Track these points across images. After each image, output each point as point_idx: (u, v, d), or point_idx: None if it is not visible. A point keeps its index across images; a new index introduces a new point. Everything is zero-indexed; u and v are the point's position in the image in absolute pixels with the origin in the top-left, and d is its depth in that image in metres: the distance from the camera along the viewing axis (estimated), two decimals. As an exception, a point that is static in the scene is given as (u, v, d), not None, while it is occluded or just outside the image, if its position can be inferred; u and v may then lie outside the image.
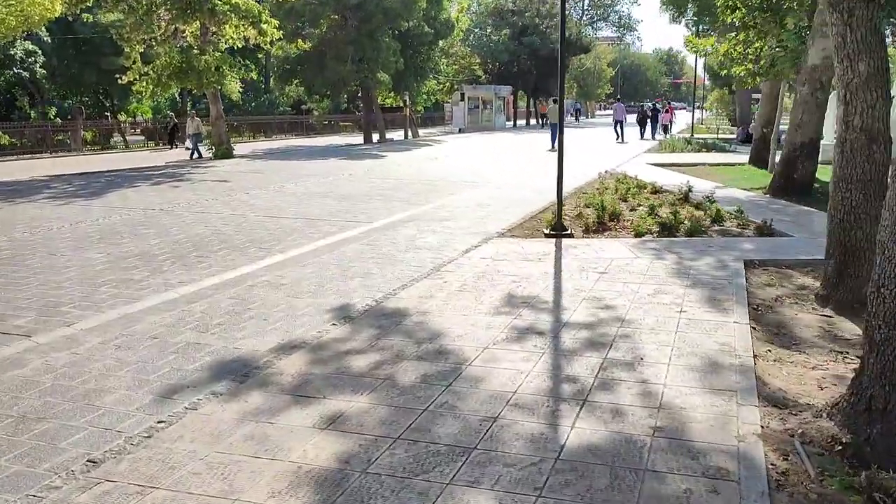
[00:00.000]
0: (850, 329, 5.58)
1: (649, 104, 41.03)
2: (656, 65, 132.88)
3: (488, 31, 58.87)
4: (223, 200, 13.41)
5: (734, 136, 34.24)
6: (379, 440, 3.64)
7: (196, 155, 24.88)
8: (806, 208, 11.49)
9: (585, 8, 76.58)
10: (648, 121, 35.48)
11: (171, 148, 29.71)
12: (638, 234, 9.39)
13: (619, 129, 32.91)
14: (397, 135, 40.67)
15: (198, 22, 23.69)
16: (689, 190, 12.33)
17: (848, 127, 5.98)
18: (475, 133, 45.10)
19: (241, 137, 35.66)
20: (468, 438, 3.65)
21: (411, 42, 34.80)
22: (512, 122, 60.08)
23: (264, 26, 24.53)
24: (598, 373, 4.51)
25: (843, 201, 6.07)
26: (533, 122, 61.10)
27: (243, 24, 24.24)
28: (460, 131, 48.77)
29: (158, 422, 3.91)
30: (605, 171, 16.79)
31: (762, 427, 3.75)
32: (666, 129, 36.47)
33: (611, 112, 40.00)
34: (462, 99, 53.13)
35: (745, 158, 21.17)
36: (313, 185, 15.78)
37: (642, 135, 35.10)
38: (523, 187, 14.99)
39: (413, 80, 36.95)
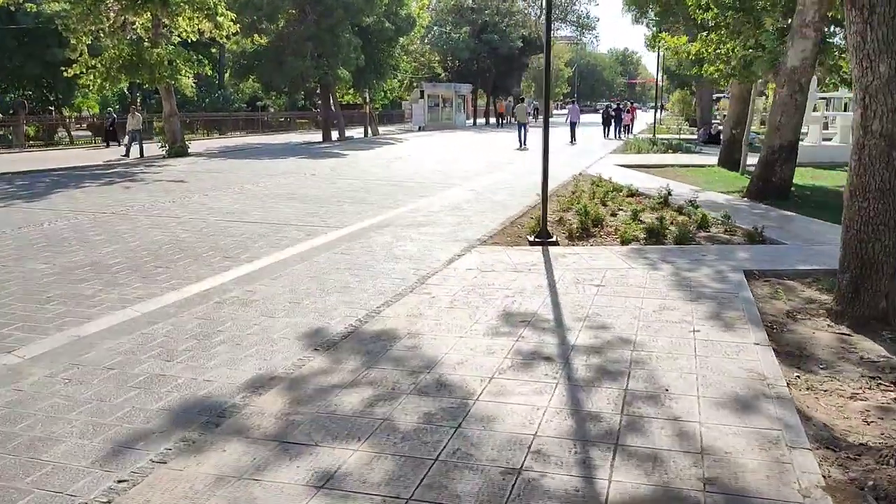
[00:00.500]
0: (873, 349, 5.20)
1: (612, 105, 41.18)
2: (612, 65, 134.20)
3: (448, 28, 58.40)
4: (181, 203, 12.61)
5: (695, 136, 34.37)
6: (388, 502, 3.08)
7: (125, 153, 23.46)
8: (788, 213, 11.23)
9: (543, 6, 76.51)
10: (613, 121, 35.70)
11: (108, 146, 28.31)
12: (624, 242, 8.97)
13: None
14: (356, 132, 39.88)
15: (149, 13, 22.66)
16: (669, 193, 11.99)
17: (866, 132, 5.61)
18: (436, 131, 44.55)
19: (195, 135, 34.52)
20: (493, 497, 3.11)
21: (372, 38, 34.09)
22: (472, 121, 59.73)
23: (220, 19, 23.63)
24: (623, 408, 4.02)
25: (859, 211, 5.70)
26: (493, 120, 60.70)
27: (198, 17, 23.29)
28: (420, 129, 48.28)
29: (119, 481, 3.28)
30: (579, 174, 16.43)
31: (824, 477, 3.30)
32: (628, 129, 36.58)
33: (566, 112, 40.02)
34: (422, 97, 52.70)
35: (712, 160, 21.06)
36: (276, 187, 15.05)
37: (606, 134, 35.31)
38: (497, 189, 14.50)
39: (374, 77, 36.22)
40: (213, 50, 44.48)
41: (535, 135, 31.24)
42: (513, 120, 42.86)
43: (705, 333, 5.32)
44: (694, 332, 5.34)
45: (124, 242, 8.94)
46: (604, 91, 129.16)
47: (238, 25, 25.51)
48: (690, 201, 11.09)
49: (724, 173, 18.09)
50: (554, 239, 8.96)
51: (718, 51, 16.18)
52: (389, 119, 57.81)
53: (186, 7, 22.73)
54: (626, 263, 7.69)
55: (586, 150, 26.58)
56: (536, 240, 8.91)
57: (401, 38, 38.12)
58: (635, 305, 6.04)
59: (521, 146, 27.59)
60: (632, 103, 41.39)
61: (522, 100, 36.40)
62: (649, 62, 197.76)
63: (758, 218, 10.52)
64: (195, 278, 7.12)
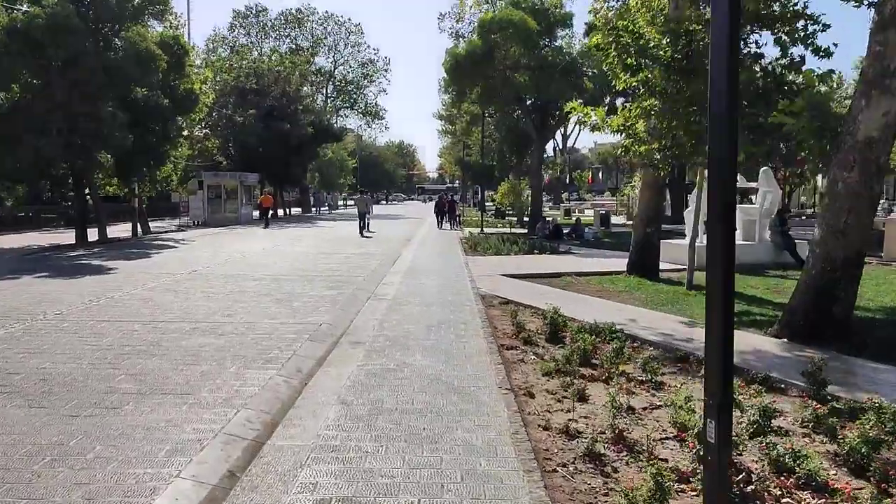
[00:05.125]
0: None
1: (447, 195, 38.76)
2: (392, 156, 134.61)
3: (228, 111, 51.86)
4: None
5: (527, 230, 30.93)
6: None
7: None
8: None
9: (330, 94, 72.62)
10: (447, 212, 33.69)
11: None
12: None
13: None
14: (122, 231, 31.83)
15: None
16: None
17: None
18: (222, 228, 37.63)
19: None
20: None
21: (144, 115, 26.87)
22: (259, 214, 52.98)
23: None
24: None
25: None
26: (280, 212, 54.17)
27: None
28: (197, 224, 41.27)
29: None
30: (480, 295, 11.27)
31: None
32: (457, 220, 33.63)
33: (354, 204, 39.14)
34: (200, 187, 45.56)
35: (606, 264, 17.01)
36: (-18, 352, 8.03)
37: (440, 225, 34.93)
38: (410, 346, 8.68)
39: (146, 164, 28.76)
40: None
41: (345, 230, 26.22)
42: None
43: None
44: None
45: None
46: (385, 183, 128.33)
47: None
48: (817, 372, 6.18)
49: (647, 285, 13.82)
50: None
51: (655, 126, 12.09)
52: (158, 212, 49.34)
53: None
54: None
55: (442, 252, 21.61)
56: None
57: (179, 118, 31.24)
58: None
59: (363, 233, 29.29)
60: (451, 194, 38.64)
61: (364, 192, 36.25)
62: (424, 155, 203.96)
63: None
64: None
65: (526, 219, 34.48)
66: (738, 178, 19.45)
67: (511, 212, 44.12)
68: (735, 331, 8.56)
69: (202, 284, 13.91)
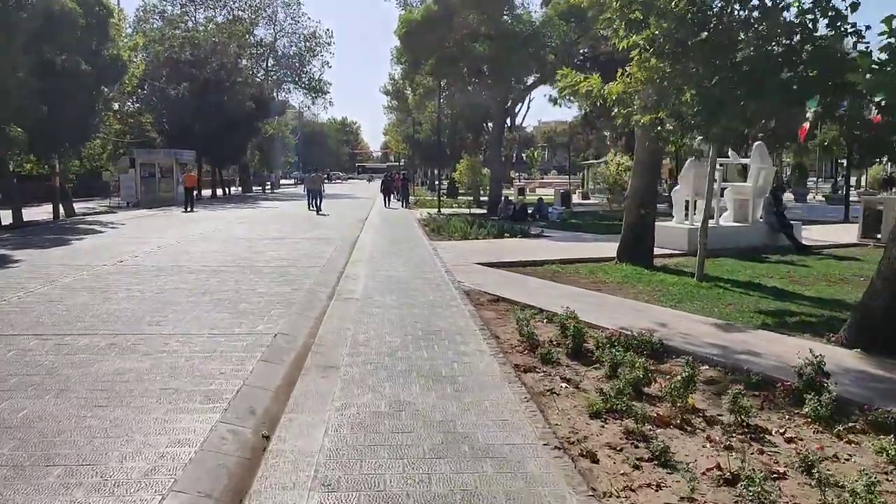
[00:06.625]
0: None
1: (396, 173, 37.08)
2: (335, 134, 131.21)
3: (161, 84, 48.30)
4: None
5: (486, 211, 29.03)
6: None
7: None
8: None
9: (271, 67, 68.96)
10: (396, 190, 34.18)
11: None
12: None
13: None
14: (43, 213, 28.74)
15: None
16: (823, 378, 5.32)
17: None
18: (156, 210, 34.60)
19: None
20: None
21: (62, 83, 23.92)
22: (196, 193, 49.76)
23: None
24: None
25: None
26: (219, 192, 50.97)
27: None
28: (129, 206, 38.30)
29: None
30: (464, 290, 9.37)
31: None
32: (407, 198, 32.39)
33: (303, 184, 37.27)
34: (132, 166, 42.33)
35: (589, 249, 15.26)
36: None
37: (387, 203, 33.80)
38: (382, 364, 6.65)
39: (66, 138, 25.79)
40: None
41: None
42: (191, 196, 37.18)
43: None
44: None
45: None
46: (329, 160, 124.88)
47: None
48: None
49: (656, 278, 12.02)
50: None
51: (668, 90, 10.26)
52: (90, 192, 45.79)
53: None
54: None
55: (403, 236, 19.54)
56: None
57: (104, 87, 28.25)
58: None
59: (317, 211, 29.73)
60: (400, 172, 36.93)
61: (317, 170, 36.67)
62: (367, 133, 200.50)
63: None
64: None
65: (484, 198, 32.65)
66: (729, 153, 17.94)
67: (463, 191, 42.19)
68: (788, 338, 6.86)
69: (127, 280, 11.57)
